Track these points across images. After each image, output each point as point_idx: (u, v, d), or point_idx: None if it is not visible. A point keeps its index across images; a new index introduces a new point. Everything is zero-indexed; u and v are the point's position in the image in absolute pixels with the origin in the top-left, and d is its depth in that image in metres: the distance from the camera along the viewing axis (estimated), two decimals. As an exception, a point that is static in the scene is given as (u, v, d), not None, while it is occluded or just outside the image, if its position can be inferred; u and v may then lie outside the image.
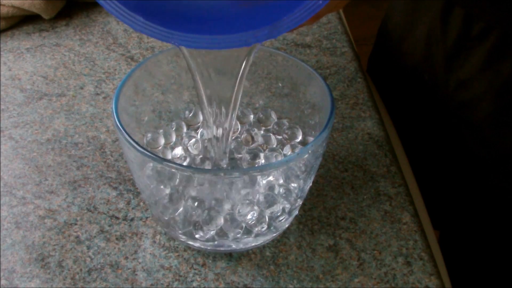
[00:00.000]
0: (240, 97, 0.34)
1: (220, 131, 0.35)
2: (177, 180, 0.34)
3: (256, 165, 0.37)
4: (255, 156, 0.37)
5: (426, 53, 0.52)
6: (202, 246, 0.36)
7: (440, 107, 0.52)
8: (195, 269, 0.36)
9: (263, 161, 0.38)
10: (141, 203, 0.40)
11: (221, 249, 0.36)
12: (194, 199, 0.35)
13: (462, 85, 0.49)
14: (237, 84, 0.33)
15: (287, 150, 0.40)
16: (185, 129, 0.41)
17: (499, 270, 0.57)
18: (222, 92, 0.33)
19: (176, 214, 0.35)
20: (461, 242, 0.60)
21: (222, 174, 0.32)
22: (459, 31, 0.47)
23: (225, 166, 0.37)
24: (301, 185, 0.35)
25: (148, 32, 0.29)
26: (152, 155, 0.30)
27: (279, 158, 0.38)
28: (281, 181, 0.36)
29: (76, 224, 0.38)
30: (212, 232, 0.35)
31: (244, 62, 0.32)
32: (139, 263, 0.36)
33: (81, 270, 0.35)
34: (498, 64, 0.45)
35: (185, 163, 0.38)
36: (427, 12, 0.51)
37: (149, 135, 0.39)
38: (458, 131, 0.51)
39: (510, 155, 0.48)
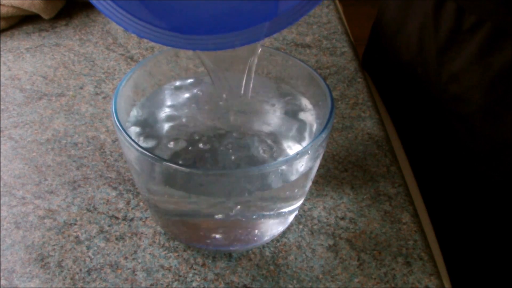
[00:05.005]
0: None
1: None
2: (177, 179, 0.34)
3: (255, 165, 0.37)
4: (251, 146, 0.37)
5: (419, 47, 0.52)
6: (204, 246, 0.36)
7: (433, 100, 0.53)
8: (194, 269, 0.36)
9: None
10: (141, 203, 0.40)
11: (221, 248, 0.36)
12: (193, 197, 0.35)
13: (454, 78, 0.49)
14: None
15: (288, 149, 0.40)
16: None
17: (497, 266, 0.57)
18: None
19: (177, 215, 0.35)
20: (456, 237, 0.60)
21: (222, 174, 0.32)
22: (451, 24, 0.47)
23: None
24: (300, 185, 0.35)
25: (155, 38, 0.28)
26: (152, 155, 0.29)
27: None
28: (280, 181, 0.36)
29: (75, 224, 0.38)
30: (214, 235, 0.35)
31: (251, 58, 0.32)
32: (139, 263, 0.36)
33: (80, 270, 0.35)
34: (489, 57, 0.45)
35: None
36: (419, 6, 0.52)
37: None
38: (451, 125, 0.52)
39: (502, 148, 0.48)
